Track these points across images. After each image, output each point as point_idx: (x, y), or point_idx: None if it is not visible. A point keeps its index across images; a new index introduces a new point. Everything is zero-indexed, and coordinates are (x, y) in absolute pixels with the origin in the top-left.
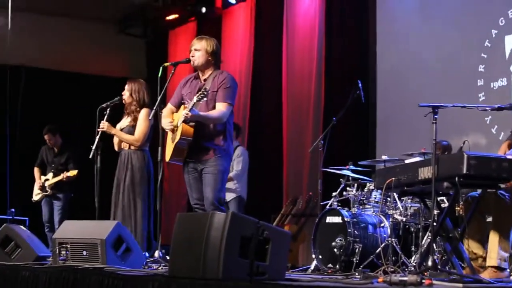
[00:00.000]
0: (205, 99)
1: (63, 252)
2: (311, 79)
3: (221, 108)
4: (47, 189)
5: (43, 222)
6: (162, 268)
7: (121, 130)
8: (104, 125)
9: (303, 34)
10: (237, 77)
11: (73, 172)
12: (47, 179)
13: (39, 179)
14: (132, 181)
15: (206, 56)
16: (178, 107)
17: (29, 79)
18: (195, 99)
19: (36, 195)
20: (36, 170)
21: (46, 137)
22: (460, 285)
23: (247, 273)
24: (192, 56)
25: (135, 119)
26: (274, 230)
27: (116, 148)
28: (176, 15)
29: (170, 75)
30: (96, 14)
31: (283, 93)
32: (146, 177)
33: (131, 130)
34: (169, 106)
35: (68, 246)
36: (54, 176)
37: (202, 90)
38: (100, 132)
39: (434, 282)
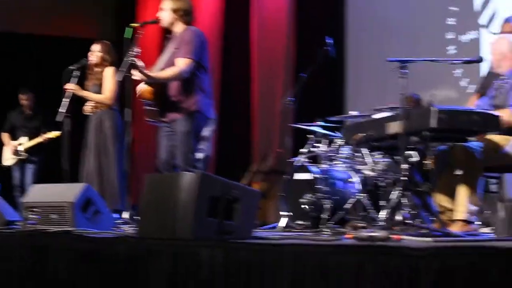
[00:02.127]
0: (131, 59)
1: (33, 216)
2: (282, 36)
3: (178, 63)
4: (21, 153)
5: (13, 186)
6: (131, 230)
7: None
8: (75, 87)
9: None
10: (207, 36)
11: (55, 133)
12: (20, 144)
13: (9, 144)
14: (103, 141)
15: (171, 15)
16: None
17: None
18: (132, 59)
19: (8, 160)
20: (5, 135)
21: (23, 97)
22: (429, 239)
23: (216, 233)
24: (159, 17)
25: (101, 80)
26: (243, 189)
27: (86, 111)
28: None
29: (138, 36)
30: None
31: (253, 50)
32: (117, 137)
33: (97, 90)
34: None
35: (37, 210)
36: (30, 139)
37: (133, 50)
38: (68, 95)
39: (403, 237)
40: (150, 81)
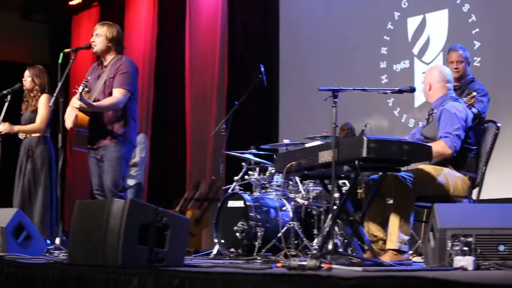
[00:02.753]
0: (86, 89)
1: None
2: (214, 64)
3: (116, 94)
4: None
5: None
6: (63, 255)
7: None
8: (4, 127)
9: (206, 19)
10: (141, 64)
11: None
12: None
13: None
14: (33, 168)
15: (106, 42)
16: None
17: None
18: (80, 89)
19: None
20: None
21: None
22: (360, 268)
23: (146, 260)
24: (93, 42)
25: (35, 106)
26: (173, 216)
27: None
28: (79, 0)
29: (71, 61)
30: None
31: (186, 79)
32: (48, 164)
33: (31, 116)
34: None
35: None
36: None
37: (83, 81)
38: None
39: (334, 266)
40: (90, 110)
